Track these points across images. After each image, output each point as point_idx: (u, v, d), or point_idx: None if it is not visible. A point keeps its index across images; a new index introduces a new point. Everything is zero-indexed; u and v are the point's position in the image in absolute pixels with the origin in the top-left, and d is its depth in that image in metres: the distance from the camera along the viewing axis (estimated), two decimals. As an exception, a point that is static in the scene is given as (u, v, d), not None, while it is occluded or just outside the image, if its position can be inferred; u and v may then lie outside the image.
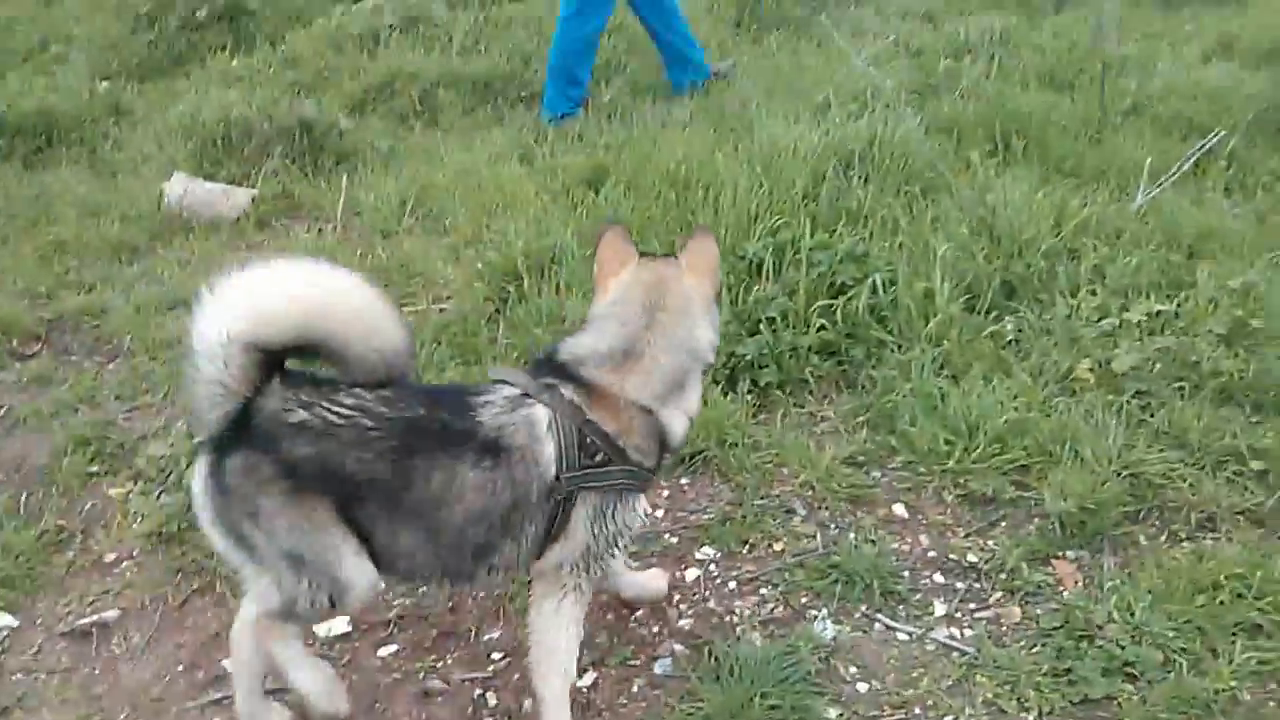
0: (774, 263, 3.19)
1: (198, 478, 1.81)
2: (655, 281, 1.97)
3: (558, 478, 1.84)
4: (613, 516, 1.92)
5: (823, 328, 3.01)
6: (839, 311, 3.03)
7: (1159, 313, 3.02)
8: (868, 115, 4.07)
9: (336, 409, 1.77)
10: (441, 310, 3.45)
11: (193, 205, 4.18)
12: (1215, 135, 4.13)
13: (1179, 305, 3.04)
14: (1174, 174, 3.81)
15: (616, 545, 2.00)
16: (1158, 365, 2.82)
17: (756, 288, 3.14)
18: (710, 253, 2.06)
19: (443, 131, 5.15)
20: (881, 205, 3.49)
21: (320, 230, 4.11)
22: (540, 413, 1.85)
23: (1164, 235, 3.47)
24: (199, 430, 1.75)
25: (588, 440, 1.85)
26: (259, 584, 1.86)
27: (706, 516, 2.60)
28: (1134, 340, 2.90)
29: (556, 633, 1.98)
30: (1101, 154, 4.21)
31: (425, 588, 2.29)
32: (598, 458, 1.86)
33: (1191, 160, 3.96)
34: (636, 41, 6.22)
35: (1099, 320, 2.99)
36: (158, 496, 2.62)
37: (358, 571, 1.82)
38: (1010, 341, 3.00)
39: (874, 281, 3.07)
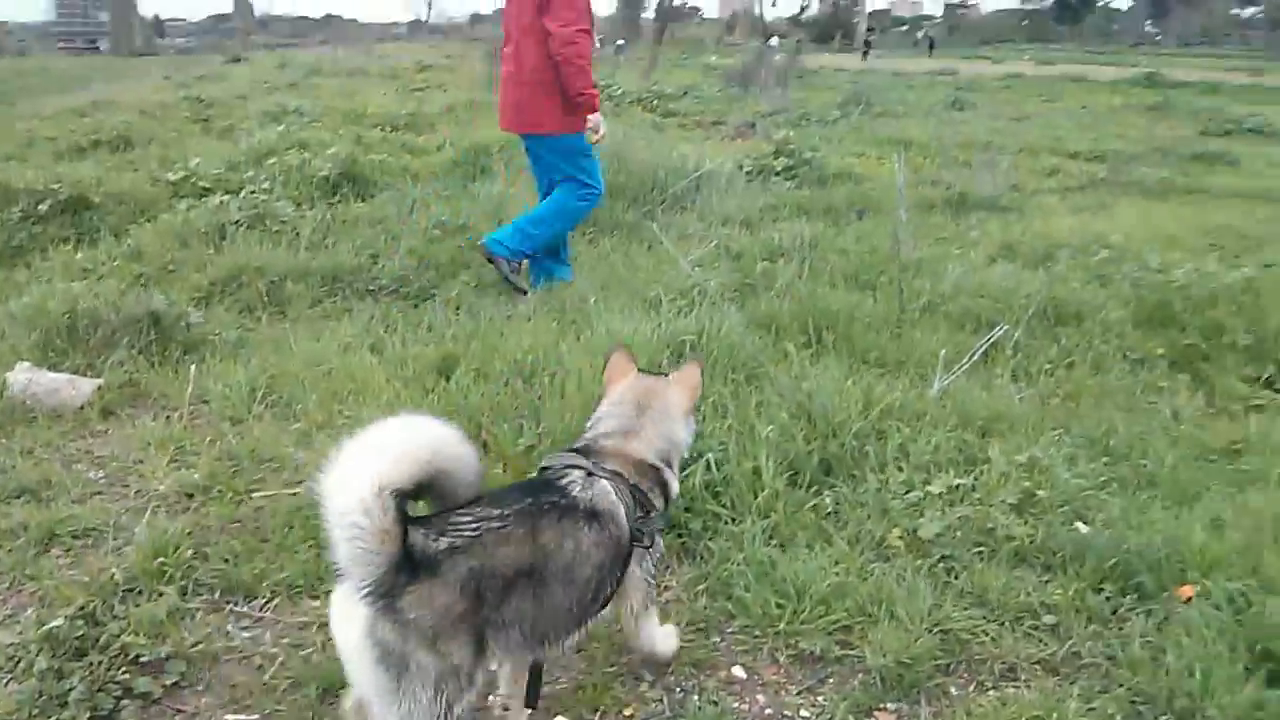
0: (616, 444, 3.44)
1: (355, 625, 1.94)
2: (646, 390, 2.62)
3: (634, 529, 2.37)
4: (653, 551, 2.49)
5: (664, 503, 3.25)
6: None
7: (958, 486, 3.39)
8: (695, 311, 4.46)
9: (464, 526, 2.04)
10: (294, 494, 3.53)
11: (36, 394, 4.15)
12: (1000, 329, 4.69)
13: (975, 479, 3.42)
14: (966, 363, 4.31)
15: (653, 572, 2.56)
16: (959, 532, 3.16)
17: (601, 468, 3.38)
18: (694, 376, 2.73)
19: (291, 322, 5.30)
20: (712, 391, 3.81)
21: (168, 418, 4.15)
22: (605, 484, 2.35)
23: (960, 417, 3.90)
24: (358, 583, 1.90)
25: (637, 498, 2.40)
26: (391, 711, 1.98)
27: (560, 686, 2.72)
28: (937, 510, 3.24)
29: (653, 631, 2.61)
30: (902, 346, 4.71)
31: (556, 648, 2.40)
32: (645, 510, 2.42)
33: (981, 351, 4.48)
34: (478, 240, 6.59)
35: (906, 493, 3.34)
36: (5, 684, 2.58)
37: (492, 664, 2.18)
38: (830, 513, 3.30)
39: (708, 460, 3.35)
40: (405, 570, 1.91)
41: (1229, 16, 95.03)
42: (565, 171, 5.59)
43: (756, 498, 3.27)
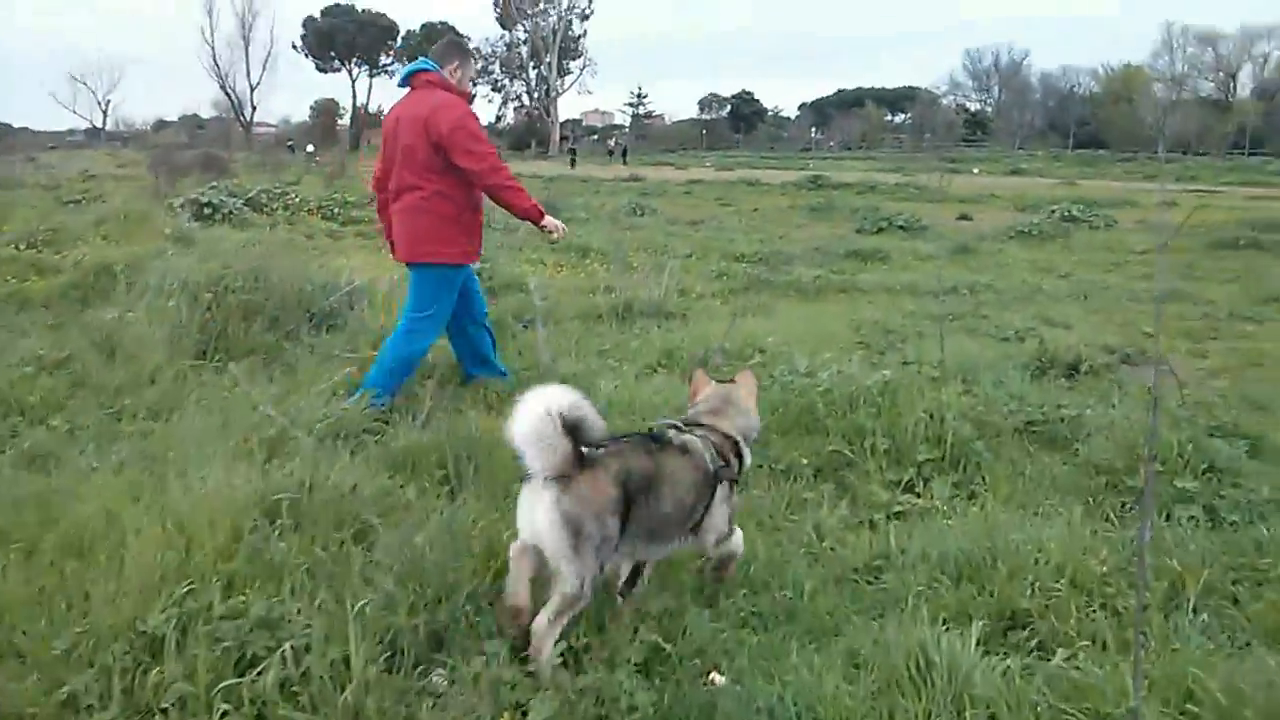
0: (177, 638, 2.82)
1: (545, 500, 2.89)
2: (725, 391, 3.72)
3: (715, 469, 3.33)
4: (730, 498, 3.43)
5: (226, 714, 2.66)
6: (245, 690, 2.70)
7: (587, 646, 3.02)
8: (299, 458, 3.92)
9: (612, 446, 3.07)
10: None
11: None
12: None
13: (602, 634, 3.06)
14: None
15: (732, 515, 3.48)
16: (578, 708, 2.76)
17: (154, 671, 2.75)
18: (750, 378, 3.86)
19: None
20: (308, 556, 3.27)
21: None
22: (694, 438, 3.36)
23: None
24: (545, 470, 2.88)
25: (717, 451, 3.38)
26: (566, 571, 2.89)
27: None
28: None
29: (735, 542, 3.52)
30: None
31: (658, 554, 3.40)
32: (724, 461, 3.39)
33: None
34: (81, 376, 5.75)
35: (524, 661, 2.93)
36: None
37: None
38: (434, 702, 2.82)
39: (286, 651, 2.79)
40: (578, 465, 2.91)
41: (883, 123, 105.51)
42: (424, 306, 5.54)
43: (343, 693, 2.73)
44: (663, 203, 24.67)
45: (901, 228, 17.42)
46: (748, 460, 3.56)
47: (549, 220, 5.60)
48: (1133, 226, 18.43)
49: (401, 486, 4.01)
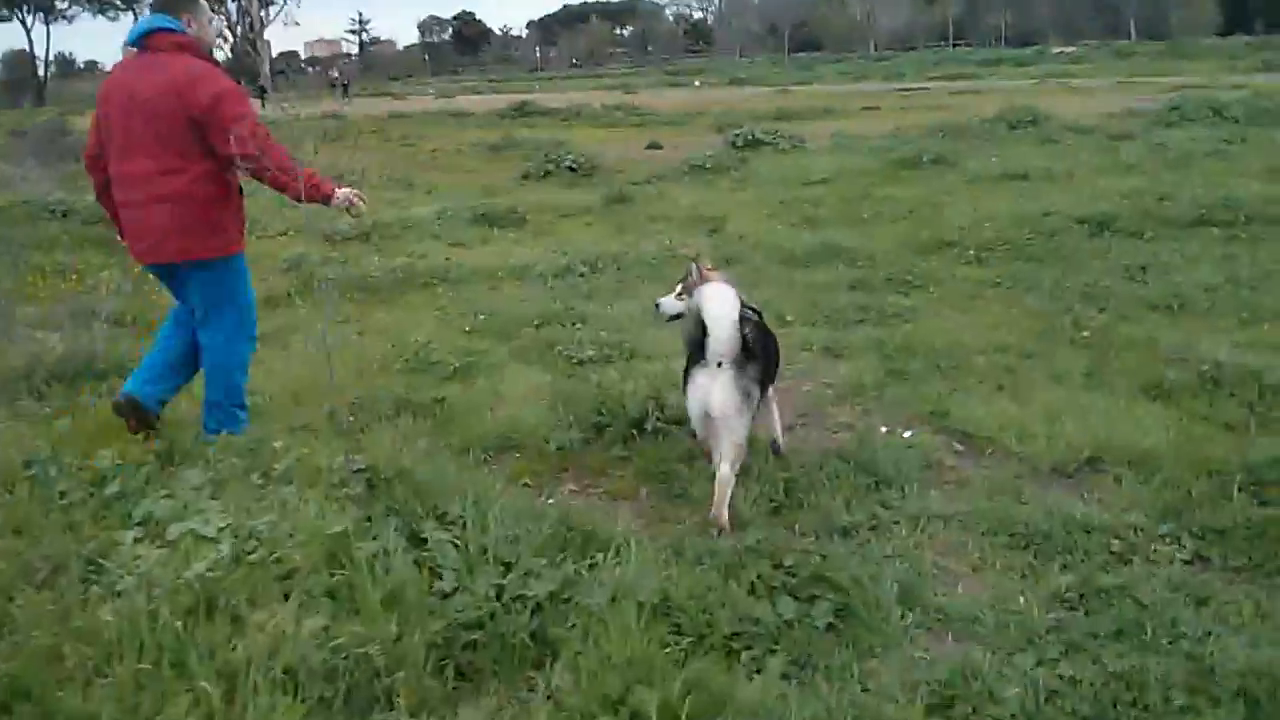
0: None
1: (725, 379, 3.75)
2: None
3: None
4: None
5: None
6: None
7: None
8: None
9: (750, 337, 3.88)
10: None
11: None
12: None
13: None
14: None
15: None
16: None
17: None
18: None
19: None
20: None
21: None
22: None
23: None
24: (728, 361, 3.74)
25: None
26: (738, 428, 3.82)
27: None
28: None
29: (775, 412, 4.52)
30: None
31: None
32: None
33: None
34: None
35: None
36: None
37: None
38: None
39: None
40: (746, 353, 3.80)
41: (610, 37, 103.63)
42: (222, 305, 4.60)
43: None
44: (331, 151, 21.43)
45: (571, 169, 15.19)
46: None
47: (340, 194, 4.48)
48: (824, 144, 16.79)
49: None
